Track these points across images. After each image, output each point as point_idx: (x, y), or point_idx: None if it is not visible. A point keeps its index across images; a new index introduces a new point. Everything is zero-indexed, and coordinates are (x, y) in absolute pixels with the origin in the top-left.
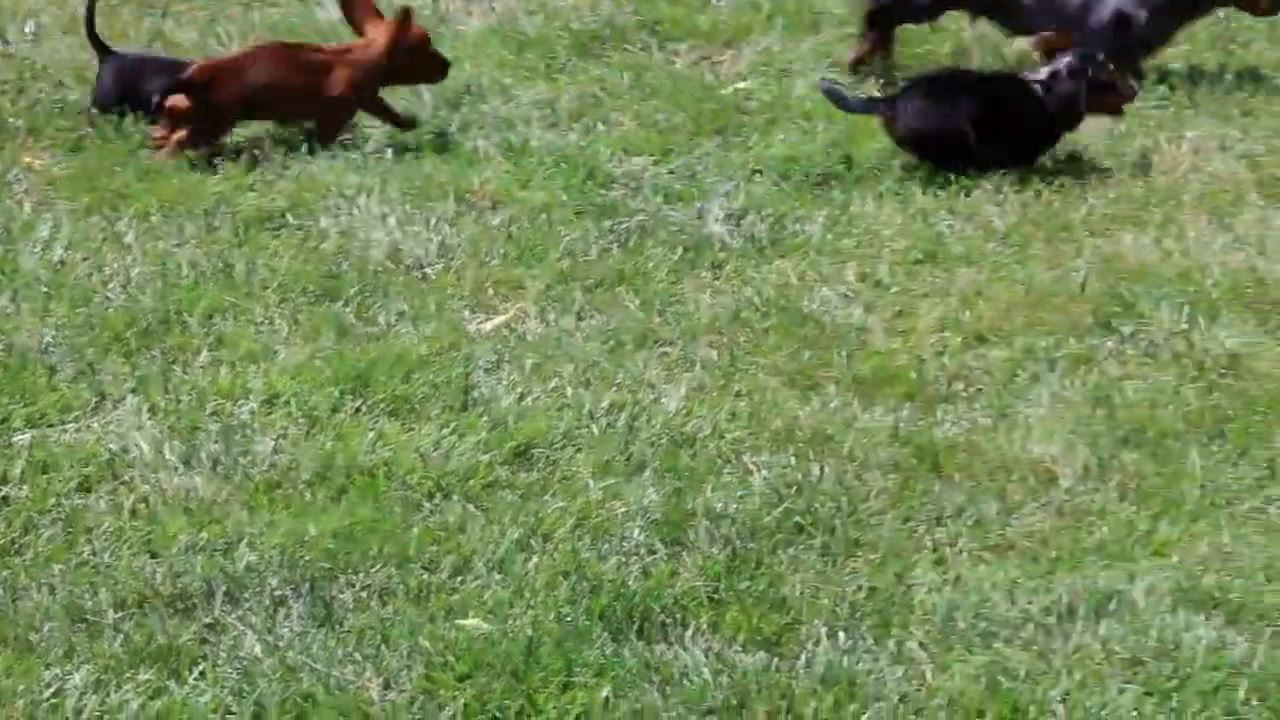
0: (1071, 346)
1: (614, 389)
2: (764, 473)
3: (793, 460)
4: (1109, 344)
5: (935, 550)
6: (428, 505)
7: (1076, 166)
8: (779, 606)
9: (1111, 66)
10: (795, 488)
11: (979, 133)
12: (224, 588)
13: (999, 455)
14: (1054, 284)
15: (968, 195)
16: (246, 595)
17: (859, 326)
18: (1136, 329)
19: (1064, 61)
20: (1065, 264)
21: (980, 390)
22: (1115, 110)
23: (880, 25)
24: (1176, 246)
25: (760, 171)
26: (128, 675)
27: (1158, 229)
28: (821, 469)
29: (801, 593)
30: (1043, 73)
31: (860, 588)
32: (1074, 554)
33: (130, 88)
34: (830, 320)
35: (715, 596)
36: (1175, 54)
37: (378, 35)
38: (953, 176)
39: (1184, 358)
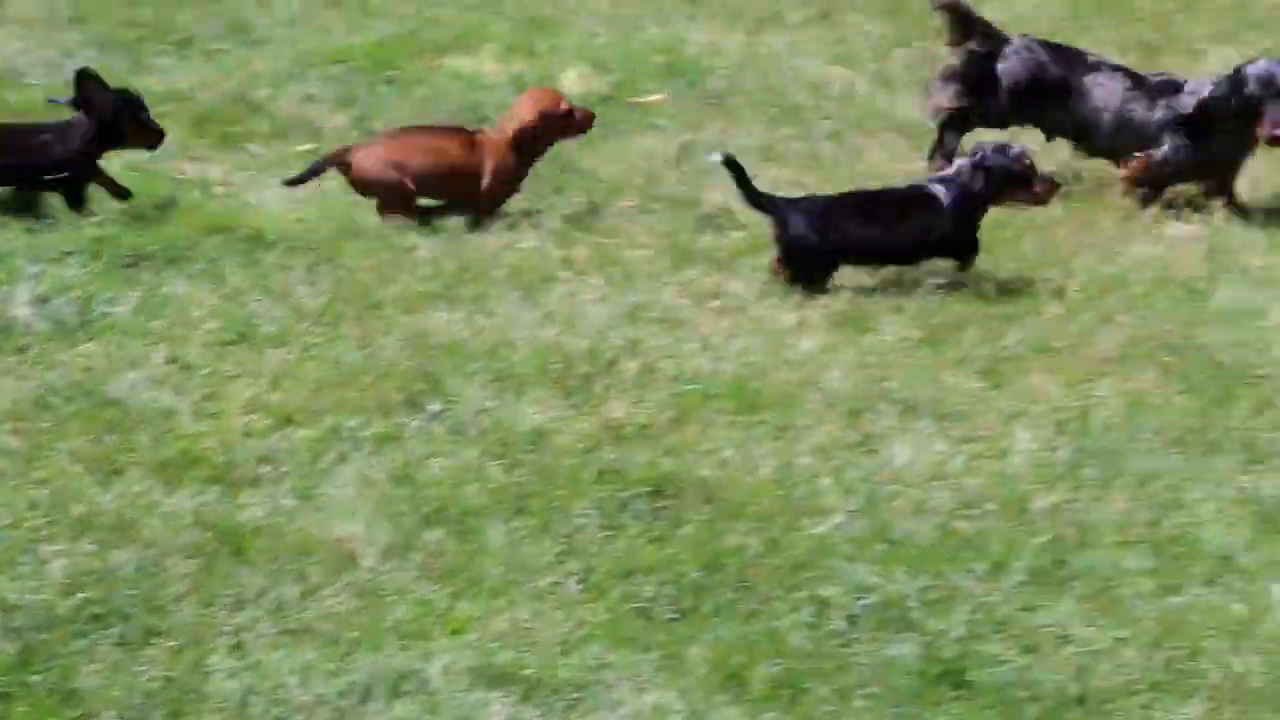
0: (379, 425)
1: None
2: (62, 561)
3: (92, 548)
4: (416, 422)
5: (234, 635)
6: None
7: (389, 244)
8: (70, 699)
9: (1029, 160)
10: (94, 576)
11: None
12: None
13: (302, 537)
14: (364, 363)
15: (281, 274)
16: None
17: (167, 409)
18: (444, 406)
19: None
20: (375, 342)
21: (286, 472)
22: (1035, 202)
23: (956, 129)
24: (487, 323)
25: (71, 253)
26: None
27: (469, 305)
28: (121, 556)
29: (95, 684)
30: (946, 171)
31: (155, 676)
32: (373, 634)
33: None
34: (137, 404)
35: (4, 691)
36: None
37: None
38: (263, 257)
39: (489, 434)
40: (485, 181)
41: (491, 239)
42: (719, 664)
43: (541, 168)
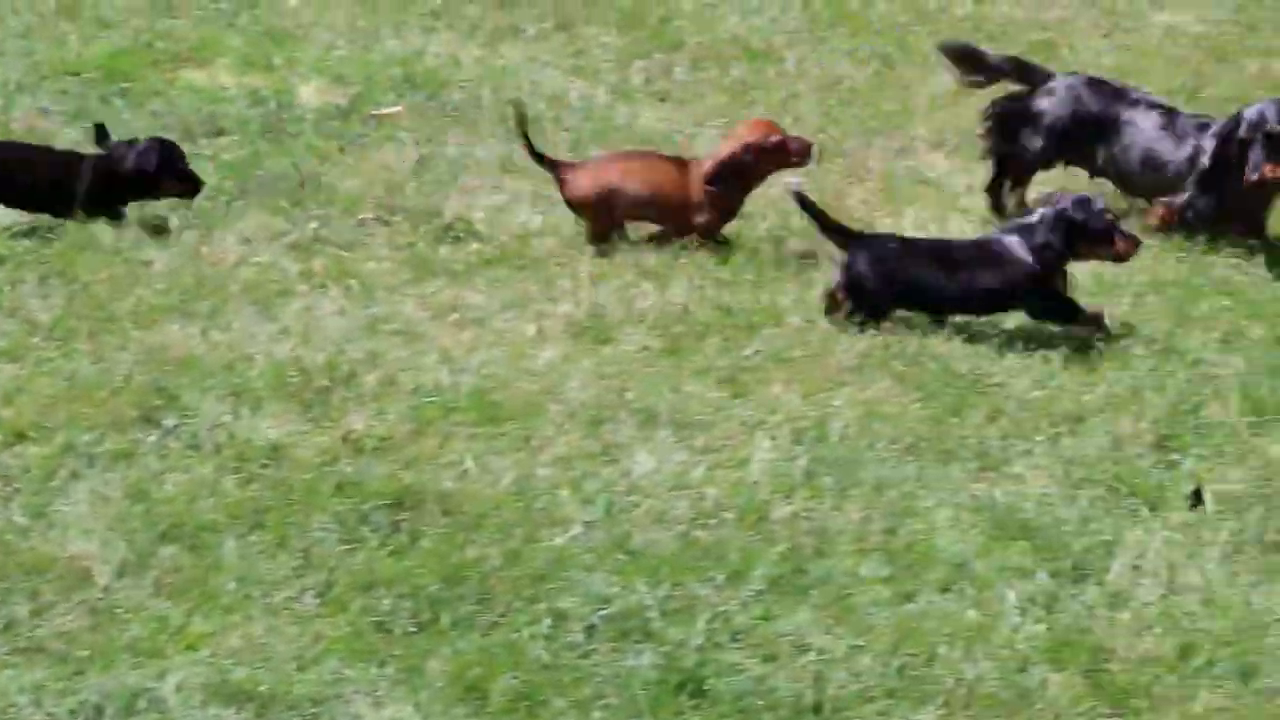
0: (113, 441)
1: None
2: None
3: None
4: (151, 438)
5: None
6: None
7: (124, 257)
8: None
9: (1111, 216)
10: None
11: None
12: None
13: (34, 555)
14: (98, 378)
15: (12, 288)
16: None
17: None
18: (180, 421)
19: (1048, 209)
20: (109, 357)
21: (18, 489)
22: (1117, 259)
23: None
24: (223, 338)
25: None
26: None
27: (205, 320)
28: None
29: None
30: (1025, 219)
31: None
32: (106, 653)
33: None
34: None
35: None
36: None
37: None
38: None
39: (225, 449)
40: (699, 211)
41: (228, 253)
42: (458, 677)
43: (281, 182)
